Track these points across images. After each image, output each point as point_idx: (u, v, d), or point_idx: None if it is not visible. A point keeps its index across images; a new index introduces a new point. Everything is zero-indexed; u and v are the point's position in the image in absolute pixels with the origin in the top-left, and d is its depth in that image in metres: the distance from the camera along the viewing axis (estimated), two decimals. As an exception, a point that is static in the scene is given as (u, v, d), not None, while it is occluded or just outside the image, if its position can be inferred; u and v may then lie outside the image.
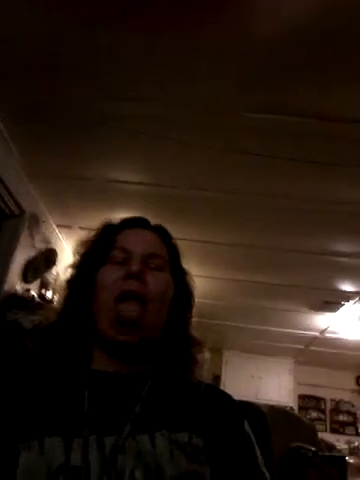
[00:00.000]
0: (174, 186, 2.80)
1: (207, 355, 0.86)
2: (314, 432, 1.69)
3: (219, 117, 2.20)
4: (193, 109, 2.15)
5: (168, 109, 2.18)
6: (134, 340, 0.75)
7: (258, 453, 0.74)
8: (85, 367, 0.77)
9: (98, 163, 2.69)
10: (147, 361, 0.79)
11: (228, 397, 0.81)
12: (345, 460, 1.59)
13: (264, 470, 0.72)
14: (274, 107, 2.10)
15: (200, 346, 0.85)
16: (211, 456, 0.67)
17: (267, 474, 0.72)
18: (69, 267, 0.87)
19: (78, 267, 0.86)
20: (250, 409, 1.55)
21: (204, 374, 0.83)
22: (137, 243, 0.83)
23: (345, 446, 4.78)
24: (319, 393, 7.16)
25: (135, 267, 0.78)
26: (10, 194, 2.65)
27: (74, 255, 0.88)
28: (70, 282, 0.85)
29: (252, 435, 0.76)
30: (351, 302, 4.43)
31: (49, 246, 3.23)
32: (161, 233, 0.89)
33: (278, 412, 1.62)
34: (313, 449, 1.39)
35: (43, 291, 3.19)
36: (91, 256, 0.85)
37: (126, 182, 2.84)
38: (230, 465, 0.69)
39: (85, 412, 0.68)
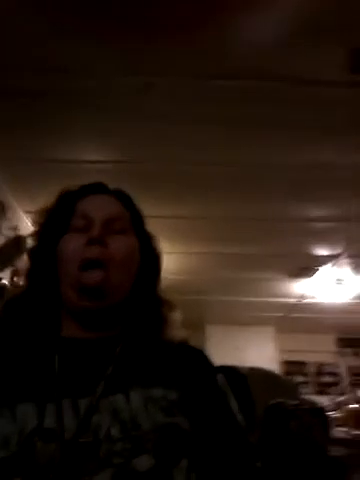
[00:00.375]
0: (142, 162, 2.76)
1: (177, 315, 0.84)
2: (295, 388, 1.72)
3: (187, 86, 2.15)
4: (161, 78, 2.10)
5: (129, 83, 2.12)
6: (99, 306, 0.73)
7: (232, 402, 0.74)
8: (54, 335, 0.76)
9: (64, 144, 2.63)
10: (116, 325, 0.78)
11: (199, 351, 0.80)
12: (325, 410, 1.63)
13: (239, 418, 0.72)
14: (249, 73, 2.06)
15: (169, 306, 0.83)
16: (186, 408, 0.67)
17: (242, 422, 0.72)
18: (30, 237, 0.84)
19: (39, 237, 0.83)
20: (232, 372, 1.57)
21: (177, 333, 0.82)
22: (97, 208, 0.80)
23: (328, 403, 4.95)
24: (302, 358, 7.37)
25: (96, 232, 0.76)
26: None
27: (34, 225, 0.85)
28: (32, 253, 0.83)
29: (226, 385, 0.76)
30: (326, 266, 4.52)
31: (17, 233, 3.15)
32: (121, 197, 0.87)
33: (258, 372, 1.65)
34: (294, 403, 1.42)
35: (15, 279, 3.12)
36: (52, 225, 0.82)
37: (94, 162, 2.79)
38: (205, 416, 0.69)
39: (56, 376, 0.67)
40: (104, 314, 0.75)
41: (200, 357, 0.79)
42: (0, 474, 0.57)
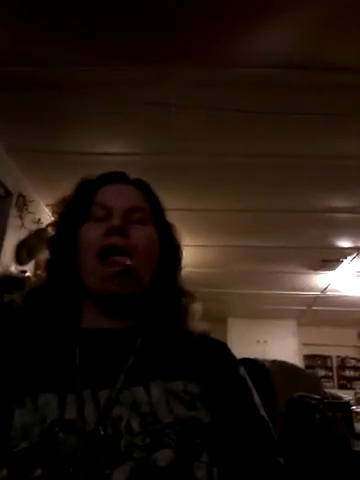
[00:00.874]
0: (163, 153, 2.74)
1: (198, 306, 0.84)
2: (317, 382, 1.70)
3: (205, 73, 2.11)
4: (175, 66, 2.07)
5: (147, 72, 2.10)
6: (121, 291, 0.73)
7: (255, 396, 0.73)
8: (75, 326, 0.75)
9: (85, 136, 2.63)
10: (137, 316, 0.77)
11: (221, 344, 0.79)
12: (349, 405, 1.60)
13: (262, 412, 0.71)
14: (267, 59, 2.01)
15: (191, 297, 0.83)
16: (208, 402, 0.66)
17: (266, 417, 0.70)
18: (50, 227, 0.85)
19: (58, 227, 0.83)
20: (253, 365, 1.55)
21: (198, 325, 0.81)
22: (117, 198, 0.80)
23: (352, 398, 4.88)
24: (324, 351, 7.29)
25: (116, 222, 0.75)
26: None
27: (54, 215, 0.85)
28: (52, 242, 0.83)
29: (248, 379, 0.74)
30: (349, 258, 4.44)
31: (40, 226, 3.19)
32: (141, 187, 0.86)
33: (281, 365, 1.63)
34: (317, 397, 1.40)
35: (38, 272, 3.16)
36: (71, 215, 0.82)
37: (113, 154, 2.79)
38: (227, 409, 0.68)
39: (77, 367, 0.67)
40: (125, 301, 0.74)
41: (222, 350, 0.78)
42: (21, 464, 0.57)
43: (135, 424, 0.60)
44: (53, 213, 0.87)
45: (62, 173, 2.92)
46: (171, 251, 0.84)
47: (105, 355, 0.70)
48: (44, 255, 0.82)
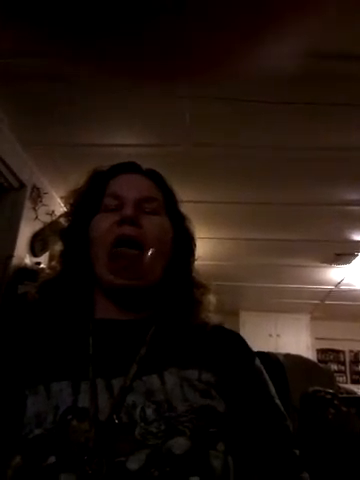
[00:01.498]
0: (177, 144, 2.73)
1: (212, 298, 0.83)
2: (331, 376, 1.68)
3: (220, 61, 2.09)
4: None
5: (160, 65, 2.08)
6: (130, 285, 0.72)
7: (271, 386, 0.72)
8: (88, 316, 0.76)
9: (99, 128, 2.62)
10: (149, 307, 0.77)
11: (237, 335, 0.79)
12: (363, 400, 1.58)
13: (278, 402, 0.70)
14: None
15: (204, 288, 0.82)
16: (223, 391, 0.66)
17: (282, 408, 0.70)
18: (62, 218, 0.84)
19: (71, 218, 0.83)
20: (267, 359, 1.54)
21: (212, 316, 0.80)
22: (129, 188, 0.79)
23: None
24: (337, 346, 7.23)
25: (128, 211, 0.75)
26: (6, 166, 2.59)
27: (66, 206, 0.85)
28: (64, 233, 0.83)
29: (263, 369, 0.74)
30: (364, 252, 4.38)
31: (54, 218, 3.21)
32: (154, 177, 0.85)
33: (294, 359, 1.62)
34: (331, 391, 1.39)
35: (52, 263, 3.19)
36: (83, 205, 0.82)
37: (127, 145, 2.78)
38: (243, 399, 0.68)
39: (90, 356, 0.68)
40: (139, 294, 0.75)
41: (238, 340, 0.78)
42: (35, 451, 0.57)
43: (149, 412, 0.60)
44: (65, 204, 0.86)
45: (76, 165, 2.92)
46: (184, 242, 0.84)
47: (118, 345, 0.70)
48: (58, 247, 0.83)
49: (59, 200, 3.43)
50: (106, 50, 1.99)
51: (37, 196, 2.99)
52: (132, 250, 0.73)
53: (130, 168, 0.85)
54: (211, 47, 1.85)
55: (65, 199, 0.87)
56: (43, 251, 3.10)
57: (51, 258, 3.18)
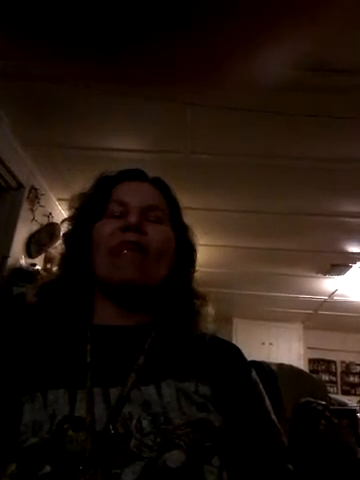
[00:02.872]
0: (176, 151, 2.74)
1: (211, 309, 0.83)
2: (323, 388, 1.69)
3: (222, 71, 2.11)
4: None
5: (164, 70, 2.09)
6: (134, 279, 0.72)
7: (267, 401, 0.72)
8: (87, 322, 0.75)
9: (98, 131, 2.62)
10: (149, 313, 0.77)
11: (234, 347, 0.79)
12: (355, 412, 1.59)
13: (274, 417, 0.70)
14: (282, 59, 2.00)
15: (204, 299, 0.82)
16: (219, 404, 0.66)
17: (277, 422, 0.70)
18: (65, 221, 0.84)
19: (74, 221, 0.83)
20: (260, 369, 1.55)
21: (209, 327, 0.80)
22: (135, 195, 0.79)
23: (356, 404, 4.85)
24: (329, 356, 7.25)
25: (133, 219, 0.75)
26: (4, 166, 2.59)
27: (70, 209, 0.85)
28: (67, 237, 0.83)
29: (260, 383, 0.74)
30: (358, 264, 4.40)
31: (51, 220, 3.21)
32: (160, 185, 0.85)
33: (288, 369, 1.62)
34: (323, 403, 1.39)
35: (48, 266, 3.18)
36: (87, 210, 0.82)
37: (126, 150, 2.78)
38: (239, 413, 0.68)
39: (88, 364, 0.67)
40: (139, 292, 0.74)
41: (235, 352, 0.77)
42: (30, 460, 0.56)
43: (146, 423, 0.60)
44: (69, 207, 0.86)
45: (75, 168, 2.94)
46: (186, 252, 0.84)
47: (116, 353, 0.70)
48: (55, 249, 0.82)
49: (57, 202, 3.42)
50: (108, 54, 2.00)
51: (35, 197, 2.99)
52: (135, 252, 0.73)
53: (136, 175, 0.85)
54: (212, 55, 1.86)
55: (69, 203, 0.86)
56: (39, 253, 3.09)
57: (47, 260, 3.18)
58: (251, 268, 4.83)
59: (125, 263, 0.72)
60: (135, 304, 0.75)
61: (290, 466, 0.65)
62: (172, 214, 0.83)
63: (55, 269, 0.84)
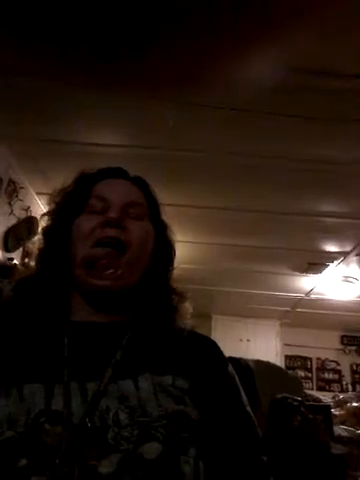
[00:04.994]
0: (157, 147, 2.73)
1: (189, 305, 0.84)
2: (299, 384, 1.72)
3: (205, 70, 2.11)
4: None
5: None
6: (110, 286, 0.72)
7: (243, 394, 0.74)
8: (64, 317, 0.75)
9: (78, 125, 2.60)
10: (126, 311, 0.77)
11: (211, 342, 0.80)
12: (330, 408, 1.62)
13: (249, 410, 0.72)
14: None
15: (181, 296, 0.83)
16: (196, 397, 0.66)
17: (252, 415, 0.72)
18: (45, 216, 0.83)
19: (54, 216, 0.83)
20: (237, 364, 1.57)
21: (187, 323, 0.81)
22: (116, 192, 0.80)
23: (331, 400, 4.96)
24: (305, 353, 7.38)
25: (114, 214, 0.75)
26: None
27: (49, 204, 0.84)
28: (46, 231, 0.82)
29: (236, 377, 0.75)
30: (335, 263, 4.49)
31: (29, 214, 3.16)
32: (140, 184, 0.86)
33: (264, 365, 1.64)
34: (298, 399, 1.42)
35: (26, 260, 3.14)
36: (67, 205, 0.81)
37: (107, 145, 2.77)
38: (215, 406, 0.69)
39: (65, 358, 0.67)
40: (115, 296, 0.74)
41: (212, 347, 0.78)
42: (6, 454, 0.56)
43: (123, 416, 0.61)
44: (49, 202, 0.85)
45: (55, 162, 2.90)
46: (165, 250, 0.84)
47: (93, 348, 0.70)
48: (33, 244, 0.82)
49: (36, 196, 3.38)
50: (91, 51, 1.99)
51: (13, 191, 2.94)
52: (112, 250, 0.73)
53: (118, 173, 0.85)
54: (197, 54, 1.87)
55: (50, 197, 0.85)
56: (16, 247, 3.05)
57: (25, 255, 3.13)
58: (230, 265, 4.87)
59: (101, 266, 0.72)
60: (112, 306, 0.76)
61: (264, 458, 0.67)
62: (152, 212, 0.84)
63: (33, 264, 0.84)
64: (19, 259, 3.12)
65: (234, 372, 0.76)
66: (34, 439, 0.58)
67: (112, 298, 0.74)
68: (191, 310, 0.83)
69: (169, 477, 0.56)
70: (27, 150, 2.85)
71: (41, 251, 0.81)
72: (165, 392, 0.64)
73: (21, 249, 3.17)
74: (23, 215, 3.13)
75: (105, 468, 0.56)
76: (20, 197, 3.05)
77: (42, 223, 0.86)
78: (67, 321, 0.74)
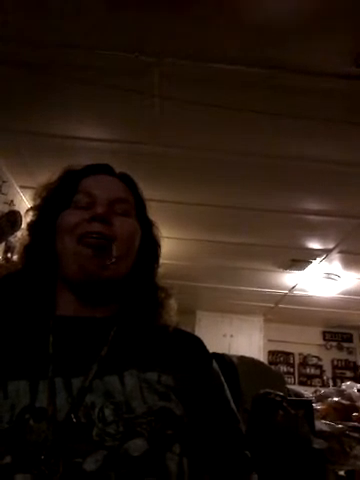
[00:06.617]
0: (141, 143, 2.72)
1: (174, 302, 0.84)
2: (282, 380, 1.74)
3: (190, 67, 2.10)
4: (162, 59, 2.05)
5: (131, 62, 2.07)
6: (98, 273, 0.72)
7: (227, 390, 0.74)
8: (49, 313, 0.74)
9: (62, 119, 2.57)
10: (112, 304, 0.77)
11: (196, 338, 0.80)
12: (311, 403, 1.65)
13: (233, 406, 0.73)
14: (249, 59, 2.02)
15: (167, 293, 0.83)
16: (181, 394, 0.67)
17: (236, 411, 0.72)
18: (30, 210, 0.83)
19: (39, 210, 0.82)
20: (221, 360, 1.58)
21: (173, 319, 0.81)
22: (102, 187, 0.79)
23: (312, 395, 5.03)
24: (288, 348, 7.47)
25: (100, 209, 0.74)
26: None
27: (35, 199, 0.84)
28: (31, 226, 0.81)
29: (220, 374, 0.76)
30: (318, 260, 4.54)
31: (12, 208, 3.12)
32: (127, 181, 0.86)
33: (248, 362, 1.66)
34: (281, 394, 1.43)
35: (9, 255, 3.10)
36: (53, 200, 0.80)
37: (91, 139, 2.74)
38: (200, 402, 0.69)
39: (50, 354, 0.67)
40: (102, 286, 0.74)
41: (197, 344, 0.79)
42: None
43: (108, 412, 0.61)
44: (34, 197, 0.84)
45: (39, 156, 2.87)
46: (150, 247, 0.84)
47: (79, 344, 0.70)
48: (16, 239, 0.80)
49: (19, 190, 3.33)
50: (74, 39, 1.97)
51: (-5, 184, 2.90)
52: (100, 240, 0.73)
53: (104, 169, 0.85)
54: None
55: (34, 192, 0.85)
56: (-1, 241, 3.00)
57: (7, 249, 3.09)
58: (214, 262, 4.89)
59: (90, 253, 0.71)
60: (98, 298, 0.75)
61: (247, 452, 0.68)
62: (138, 209, 0.84)
63: (16, 258, 0.83)
64: (1, 253, 3.08)
65: (218, 369, 0.77)
66: (18, 436, 0.57)
67: (99, 288, 0.74)
68: (176, 307, 0.84)
69: (154, 474, 0.57)
70: (11, 144, 2.80)
71: (26, 246, 0.80)
72: (150, 388, 0.64)
73: (3, 244, 3.12)
74: (6, 209, 3.09)
75: (90, 465, 0.56)
76: (3, 191, 3.01)
77: (27, 218, 0.85)
78: (52, 316, 0.74)
